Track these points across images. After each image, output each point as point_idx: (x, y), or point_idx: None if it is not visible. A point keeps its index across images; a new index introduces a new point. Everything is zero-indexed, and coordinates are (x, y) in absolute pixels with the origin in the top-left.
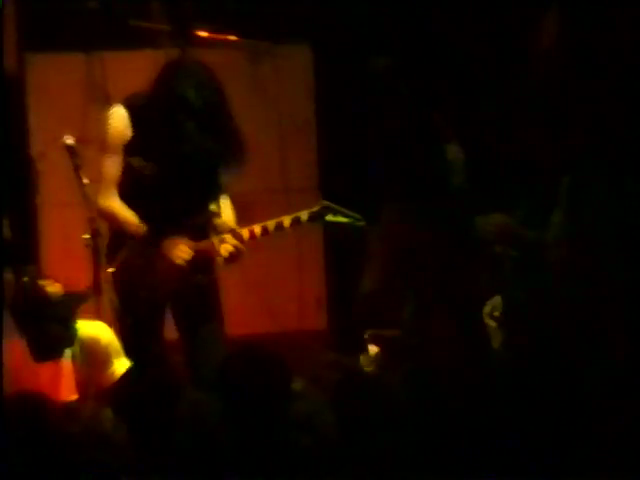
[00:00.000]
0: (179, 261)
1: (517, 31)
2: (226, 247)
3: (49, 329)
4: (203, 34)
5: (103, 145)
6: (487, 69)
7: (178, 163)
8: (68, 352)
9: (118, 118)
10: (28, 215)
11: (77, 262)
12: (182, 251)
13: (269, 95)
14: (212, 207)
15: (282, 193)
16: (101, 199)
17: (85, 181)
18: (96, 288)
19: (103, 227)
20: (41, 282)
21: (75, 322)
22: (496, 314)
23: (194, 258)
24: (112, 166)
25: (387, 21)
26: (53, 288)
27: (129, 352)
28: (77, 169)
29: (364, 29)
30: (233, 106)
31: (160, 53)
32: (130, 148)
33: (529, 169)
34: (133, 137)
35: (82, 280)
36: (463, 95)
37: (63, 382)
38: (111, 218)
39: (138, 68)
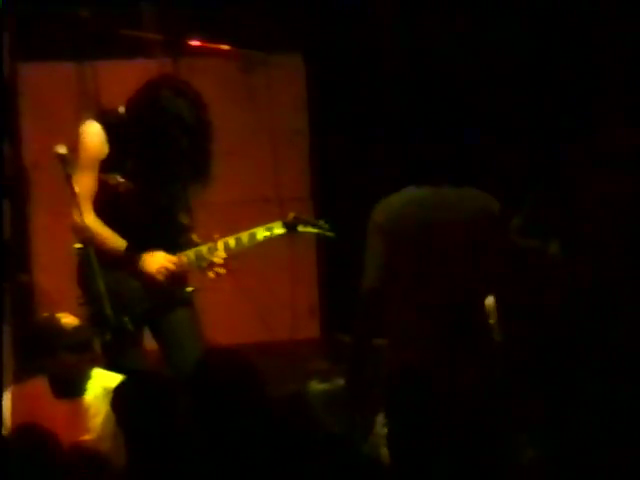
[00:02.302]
0: (159, 276)
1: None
2: (210, 259)
3: (65, 359)
4: (195, 43)
5: (77, 162)
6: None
7: (159, 180)
8: (90, 394)
9: (94, 134)
10: (20, 224)
11: (68, 271)
12: (162, 265)
13: (261, 104)
14: (184, 220)
15: (275, 202)
16: (78, 216)
17: (77, 190)
18: None
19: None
20: (56, 315)
21: (91, 352)
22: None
23: (172, 272)
24: (87, 183)
25: (378, 30)
26: (68, 319)
27: (111, 365)
28: (69, 178)
29: (356, 39)
30: (226, 115)
31: (152, 62)
32: (105, 165)
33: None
34: (110, 154)
35: (73, 290)
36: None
37: (79, 421)
38: (87, 235)
39: (130, 77)
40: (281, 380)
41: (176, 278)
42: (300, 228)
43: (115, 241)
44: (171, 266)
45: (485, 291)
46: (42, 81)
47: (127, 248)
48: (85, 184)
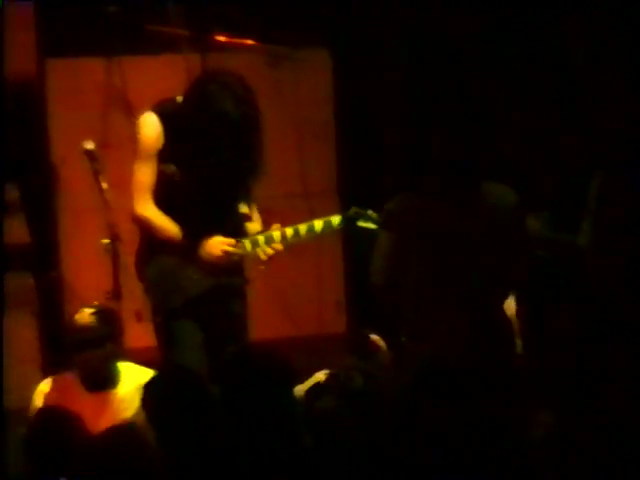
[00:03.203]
0: (218, 259)
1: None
2: (265, 249)
3: (85, 355)
4: (222, 39)
5: (134, 150)
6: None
7: (210, 172)
8: (123, 389)
9: (150, 125)
10: (48, 220)
11: (96, 267)
12: (221, 248)
13: (288, 99)
14: (243, 210)
15: (301, 197)
16: (137, 206)
17: (105, 186)
18: (116, 293)
19: (125, 232)
20: (75, 316)
21: (109, 347)
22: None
23: (230, 255)
24: (146, 173)
25: (404, 24)
26: (80, 316)
27: (162, 351)
28: (97, 174)
29: (382, 33)
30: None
31: (179, 58)
32: (162, 155)
33: (557, 171)
34: (166, 143)
35: (101, 285)
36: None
37: (106, 415)
38: (147, 225)
39: (157, 73)
40: (307, 375)
41: (233, 263)
42: (360, 223)
43: (173, 229)
44: (229, 249)
45: (505, 286)
46: (70, 77)
47: (184, 235)
48: (143, 174)
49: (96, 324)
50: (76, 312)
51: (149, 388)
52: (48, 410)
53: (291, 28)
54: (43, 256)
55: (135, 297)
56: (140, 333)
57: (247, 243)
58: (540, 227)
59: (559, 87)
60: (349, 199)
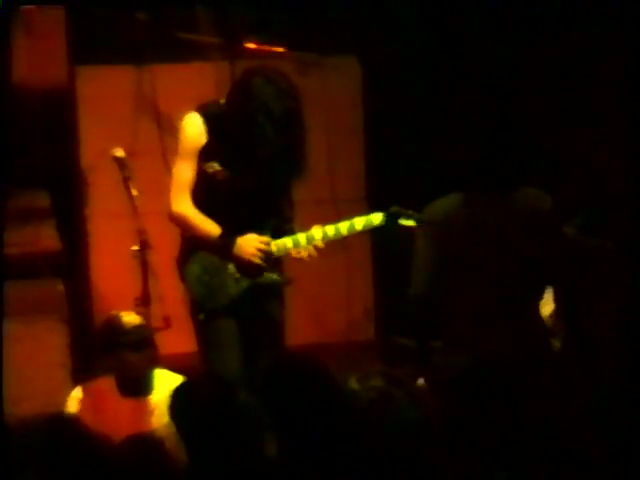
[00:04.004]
0: (254, 258)
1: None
2: (307, 248)
3: (126, 357)
4: (251, 46)
5: (177, 151)
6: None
7: (253, 168)
8: (157, 395)
9: (193, 124)
10: (78, 227)
11: (126, 273)
12: (256, 246)
13: (317, 106)
14: (285, 210)
15: (330, 204)
16: (174, 203)
17: (134, 193)
18: (144, 299)
19: (155, 238)
20: (119, 313)
21: (151, 351)
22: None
23: (266, 253)
24: (185, 171)
25: (433, 31)
26: (129, 318)
27: (200, 347)
28: (126, 181)
29: (410, 40)
30: None
31: (209, 65)
32: (205, 154)
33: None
34: (208, 143)
35: (130, 291)
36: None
37: (143, 420)
38: (184, 223)
39: (187, 80)
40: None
41: (269, 261)
42: (402, 221)
43: (210, 226)
44: (264, 247)
45: (540, 291)
46: (100, 84)
47: (221, 234)
48: (182, 172)
49: (143, 326)
50: (108, 317)
51: (176, 395)
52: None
53: (320, 35)
54: (73, 263)
55: (164, 303)
56: (168, 339)
57: (288, 242)
58: (573, 232)
59: (591, 92)
60: (378, 206)
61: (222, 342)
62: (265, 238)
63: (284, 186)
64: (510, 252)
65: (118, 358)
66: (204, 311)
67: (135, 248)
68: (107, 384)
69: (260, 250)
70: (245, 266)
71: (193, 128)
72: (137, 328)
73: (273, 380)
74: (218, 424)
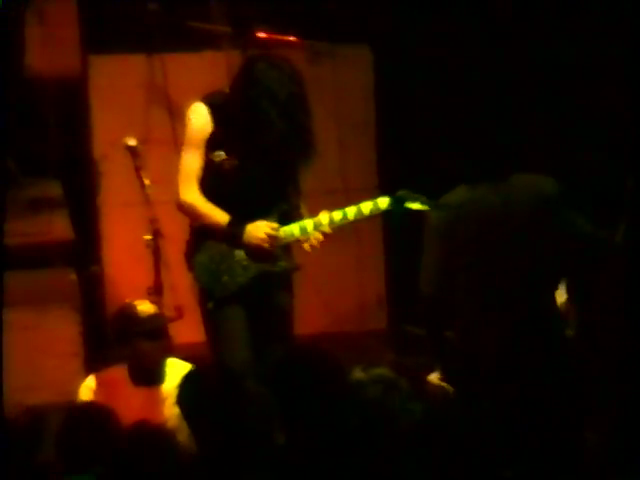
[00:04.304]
0: (264, 243)
1: None
2: (314, 234)
3: (140, 346)
4: (263, 35)
5: (183, 140)
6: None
7: (259, 155)
8: (170, 384)
9: (199, 114)
10: (90, 216)
11: (138, 262)
12: (265, 232)
13: (328, 95)
14: (291, 198)
15: (342, 193)
16: (182, 193)
17: (146, 182)
18: (157, 288)
19: (167, 227)
20: (134, 301)
21: (166, 340)
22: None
23: (276, 238)
24: (192, 161)
25: (445, 20)
26: (144, 307)
27: (208, 336)
28: (138, 170)
29: (422, 28)
30: None
31: (220, 54)
32: (211, 143)
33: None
34: (214, 132)
35: (143, 280)
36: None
37: (155, 409)
38: (193, 212)
39: (199, 69)
40: (348, 371)
41: (278, 248)
42: (408, 204)
43: (218, 216)
44: (273, 233)
45: (554, 280)
46: (112, 73)
47: (230, 222)
48: (189, 162)
49: (158, 316)
50: (122, 305)
51: (184, 384)
52: (83, 405)
53: (332, 24)
54: (85, 252)
55: (176, 293)
56: (180, 329)
57: (295, 228)
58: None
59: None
60: (390, 196)
61: (230, 331)
62: (274, 224)
63: (291, 172)
64: (519, 241)
65: (132, 347)
66: (213, 300)
67: (147, 237)
68: (119, 373)
69: (269, 235)
70: (254, 252)
71: (199, 118)
72: (152, 317)
73: (282, 371)
74: (225, 413)
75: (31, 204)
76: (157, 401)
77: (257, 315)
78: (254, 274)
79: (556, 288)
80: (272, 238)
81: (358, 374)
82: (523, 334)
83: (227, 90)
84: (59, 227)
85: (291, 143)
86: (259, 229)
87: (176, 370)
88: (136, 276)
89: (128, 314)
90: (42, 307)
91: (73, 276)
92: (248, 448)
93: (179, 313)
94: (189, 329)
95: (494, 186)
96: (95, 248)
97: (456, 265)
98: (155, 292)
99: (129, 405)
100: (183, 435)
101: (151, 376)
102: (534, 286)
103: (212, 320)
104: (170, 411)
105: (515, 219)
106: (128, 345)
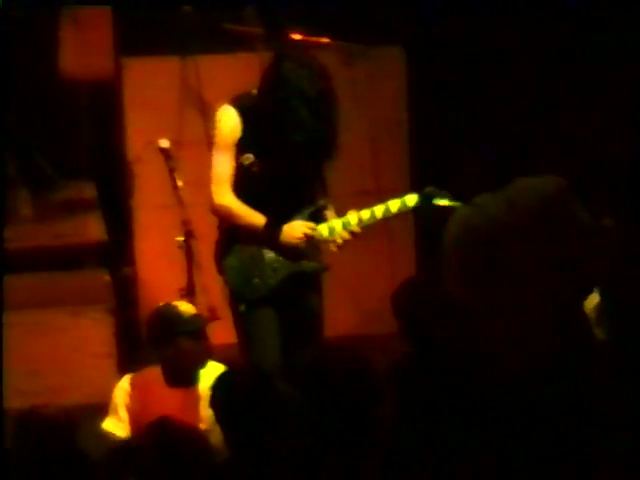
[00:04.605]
0: (300, 242)
1: None
2: (343, 234)
3: (182, 346)
4: (297, 37)
5: (213, 144)
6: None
7: (288, 155)
8: (205, 385)
9: (228, 117)
10: (123, 217)
11: (171, 264)
12: (302, 231)
13: (362, 97)
14: (319, 198)
15: (374, 195)
16: (215, 196)
17: (179, 184)
18: (189, 290)
19: (200, 229)
20: (173, 302)
21: (207, 341)
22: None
23: (311, 238)
24: (224, 164)
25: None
26: (185, 307)
27: (240, 338)
28: (172, 172)
29: (455, 29)
30: None
31: (254, 56)
32: (240, 146)
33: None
34: (243, 135)
35: (175, 282)
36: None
37: (190, 410)
38: (229, 215)
39: (232, 71)
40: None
41: (311, 248)
42: (437, 201)
43: (254, 218)
44: (309, 232)
45: (577, 282)
46: (146, 75)
47: (267, 223)
48: (221, 165)
49: (199, 316)
50: (162, 306)
51: (217, 386)
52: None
53: (366, 26)
54: (119, 253)
55: (208, 294)
56: (212, 330)
57: (324, 229)
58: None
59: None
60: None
61: (262, 333)
62: (311, 223)
63: (317, 173)
64: (535, 248)
65: (174, 347)
66: (244, 302)
67: (180, 239)
68: (154, 374)
69: (306, 235)
70: (290, 252)
71: (228, 120)
72: (194, 317)
73: (313, 374)
74: (257, 415)
75: (65, 206)
76: (192, 402)
77: (287, 317)
78: (284, 276)
79: (578, 289)
80: (309, 237)
81: None
82: (546, 337)
83: (254, 91)
84: (93, 229)
85: (320, 141)
86: (296, 229)
87: (210, 371)
88: (169, 277)
89: (170, 314)
90: (76, 308)
91: (107, 277)
92: (279, 450)
93: (213, 315)
94: (220, 330)
95: (502, 194)
96: (128, 249)
97: (476, 267)
98: (187, 293)
99: (164, 406)
100: (216, 437)
101: (186, 377)
102: (553, 288)
103: (243, 323)
104: (204, 413)
105: (521, 223)
106: (170, 345)
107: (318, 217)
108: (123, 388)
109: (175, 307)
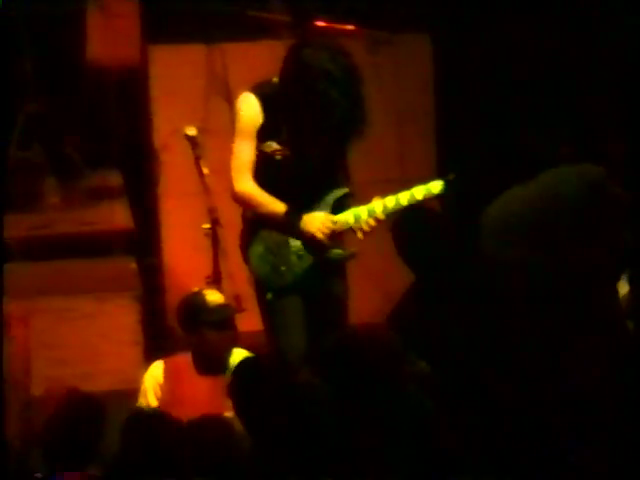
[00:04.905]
0: (319, 234)
1: None
2: (368, 221)
3: (208, 336)
4: (322, 24)
5: (235, 132)
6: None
7: (320, 139)
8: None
9: (249, 104)
10: (150, 205)
11: (197, 251)
12: (323, 223)
13: (387, 84)
14: (343, 185)
15: (400, 183)
16: (237, 184)
17: (205, 171)
18: (215, 277)
19: (225, 217)
20: (203, 290)
21: (233, 331)
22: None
23: (332, 231)
24: (245, 151)
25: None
26: (213, 297)
27: (266, 327)
28: (198, 159)
29: (482, 17)
30: None
31: (279, 44)
32: (262, 134)
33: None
34: (265, 123)
35: (201, 269)
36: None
37: (218, 399)
38: (249, 201)
39: (258, 58)
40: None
41: (336, 239)
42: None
43: (275, 205)
44: (331, 225)
45: (610, 272)
46: (172, 63)
47: (287, 211)
48: (242, 153)
49: (226, 306)
50: (190, 293)
51: (234, 377)
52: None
53: (391, 13)
54: (145, 241)
55: (234, 282)
56: (240, 318)
57: (350, 217)
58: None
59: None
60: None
61: (288, 321)
62: (331, 216)
63: (341, 160)
64: (568, 238)
65: (200, 336)
66: (271, 290)
67: (206, 226)
68: (184, 361)
69: (326, 227)
70: (309, 242)
71: (249, 108)
72: (221, 307)
73: (332, 358)
74: (278, 404)
75: (93, 193)
76: (221, 391)
77: (313, 304)
78: (310, 264)
79: (616, 279)
80: (328, 230)
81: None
82: (579, 328)
83: (274, 79)
84: (120, 216)
85: (355, 119)
86: (316, 220)
87: (238, 359)
88: (195, 265)
89: (196, 303)
90: (103, 295)
91: (133, 265)
92: (301, 439)
93: (238, 303)
94: (247, 318)
95: (536, 182)
96: (155, 237)
97: (508, 258)
98: (214, 281)
99: (193, 394)
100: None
101: (216, 366)
102: (591, 279)
103: (270, 311)
104: None
105: (565, 212)
106: (195, 334)
107: (343, 205)
108: (153, 374)
109: (202, 296)
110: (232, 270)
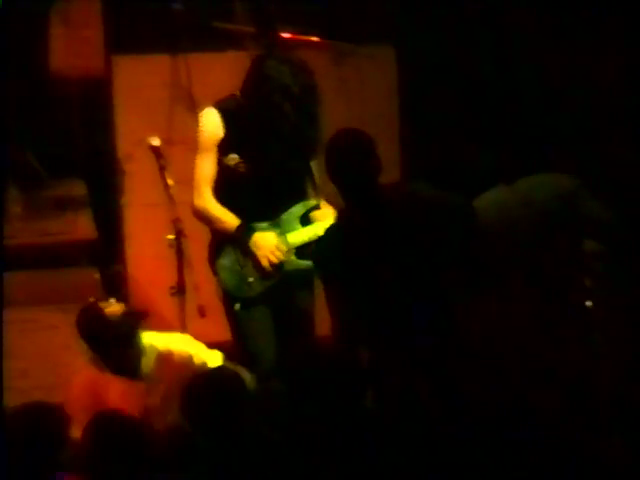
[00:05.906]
0: (263, 260)
1: None
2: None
3: (110, 350)
4: (286, 35)
5: (196, 146)
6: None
7: (274, 151)
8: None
9: (209, 119)
10: (113, 215)
11: (161, 262)
12: (272, 252)
13: (352, 96)
14: (311, 201)
15: None
16: (196, 199)
17: (170, 182)
18: (180, 288)
19: (190, 227)
20: (101, 304)
21: (138, 339)
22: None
23: (276, 263)
24: (205, 166)
25: (467, 19)
26: (112, 309)
27: (235, 337)
28: (162, 170)
29: (445, 28)
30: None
31: (244, 54)
32: (224, 148)
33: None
34: (226, 136)
35: (165, 280)
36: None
37: (132, 402)
38: (205, 216)
39: (223, 69)
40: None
41: (279, 269)
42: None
43: (227, 220)
44: (280, 251)
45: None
46: (136, 73)
47: (238, 227)
48: (203, 167)
49: (126, 316)
50: (87, 306)
51: (187, 392)
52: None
53: (356, 24)
54: (109, 251)
55: (199, 292)
56: (205, 328)
57: (305, 235)
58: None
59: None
60: None
61: (257, 331)
62: (282, 246)
63: (305, 171)
64: (539, 242)
65: (104, 350)
66: (239, 301)
67: (170, 237)
68: (99, 366)
69: (272, 253)
70: (255, 264)
71: (209, 122)
72: (120, 321)
73: (291, 369)
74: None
75: (55, 204)
76: (137, 392)
77: (280, 315)
78: (279, 274)
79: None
80: (276, 258)
81: None
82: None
83: (238, 93)
84: (83, 227)
85: (305, 135)
86: (267, 243)
87: (154, 348)
88: (159, 275)
89: (97, 318)
90: (66, 306)
91: (96, 275)
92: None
93: (202, 312)
94: (213, 328)
95: (512, 187)
96: (118, 248)
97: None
98: (178, 291)
99: (113, 396)
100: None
101: (129, 372)
102: (560, 280)
103: (238, 321)
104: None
105: (535, 218)
106: (101, 348)
107: (309, 217)
108: (75, 383)
109: (101, 310)
110: (197, 280)
